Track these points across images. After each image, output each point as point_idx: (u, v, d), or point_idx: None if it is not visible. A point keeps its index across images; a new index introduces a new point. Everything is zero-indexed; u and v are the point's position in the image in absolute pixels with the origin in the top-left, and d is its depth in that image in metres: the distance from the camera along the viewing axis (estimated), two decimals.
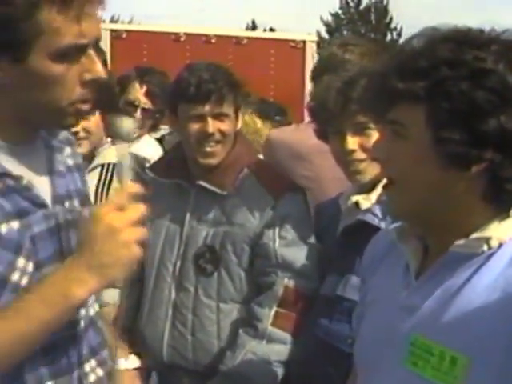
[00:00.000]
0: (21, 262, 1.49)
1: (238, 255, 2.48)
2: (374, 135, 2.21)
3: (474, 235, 1.37)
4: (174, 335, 2.56)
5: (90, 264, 1.44)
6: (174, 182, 2.61)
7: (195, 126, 2.49)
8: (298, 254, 2.46)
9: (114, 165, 2.93)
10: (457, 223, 1.40)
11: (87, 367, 1.67)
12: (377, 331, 1.55)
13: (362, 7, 40.13)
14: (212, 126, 2.47)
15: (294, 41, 10.63)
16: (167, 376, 2.67)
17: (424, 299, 1.42)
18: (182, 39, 10.27)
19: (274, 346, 2.42)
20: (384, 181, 2.03)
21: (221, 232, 2.51)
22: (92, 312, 1.73)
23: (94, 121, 2.95)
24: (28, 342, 1.45)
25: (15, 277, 1.48)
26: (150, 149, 3.65)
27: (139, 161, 3.00)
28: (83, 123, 2.82)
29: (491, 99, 1.28)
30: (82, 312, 1.66)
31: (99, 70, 1.50)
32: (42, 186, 1.58)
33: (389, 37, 40.39)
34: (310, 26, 38.32)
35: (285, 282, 2.44)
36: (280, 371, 2.42)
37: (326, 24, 40.34)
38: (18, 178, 1.50)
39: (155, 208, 2.61)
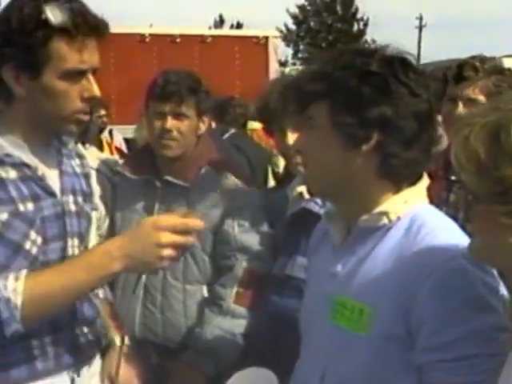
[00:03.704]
0: (32, 234, 1.90)
1: (201, 241, 2.76)
2: None
3: (376, 210, 1.70)
4: (145, 314, 2.86)
5: (125, 251, 1.80)
6: (143, 177, 2.91)
7: (157, 122, 2.80)
8: (253, 239, 2.78)
9: None
10: (360, 198, 1.72)
11: (78, 330, 2.06)
12: (311, 298, 1.89)
13: None
14: (170, 123, 2.78)
15: (256, 37, 10.88)
16: (138, 352, 2.97)
17: (343, 266, 1.75)
18: (148, 40, 10.45)
19: (237, 321, 2.74)
20: None
21: None
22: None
23: None
24: (64, 296, 1.84)
25: (27, 245, 1.89)
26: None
27: (109, 164, 3.13)
28: None
29: (374, 93, 1.63)
30: None
31: (95, 90, 1.94)
32: (53, 180, 2.01)
33: (355, 27, 40.59)
34: (277, 18, 38.48)
35: (243, 265, 2.77)
36: (242, 343, 2.75)
37: (293, 16, 40.43)
38: (34, 169, 1.94)
39: (126, 202, 2.94)
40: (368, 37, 39.41)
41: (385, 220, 1.70)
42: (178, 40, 10.32)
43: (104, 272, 1.82)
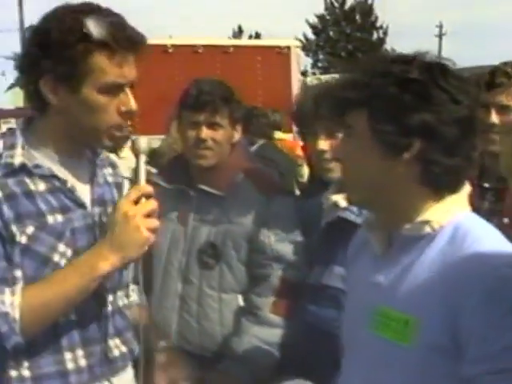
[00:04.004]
0: (61, 246, 1.90)
1: (237, 250, 2.81)
2: None
3: (418, 219, 1.70)
4: (181, 323, 2.87)
5: (112, 244, 1.87)
6: (177, 186, 2.93)
7: (192, 132, 2.83)
8: (288, 248, 2.78)
9: None
10: (401, 206, 1.72)
11: (111, 343, 2.05)
12: (353, 309, 1.88)
13: (346, 7, 40.18)
14: (205, 133, 2.80)
15: (279, 47, 10.89)
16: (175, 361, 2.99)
17: (385, 276, 1.74)
18: (170, 51, 10.49)
19: (273, 330, 2.74)
20: None
21: (221, 230, 2.83)
22: (121, 303, 2.11)
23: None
24: (61, 304, 1.86)
25: (56, 258, 1.89)
26: None
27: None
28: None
29: (414, 100, 1.62)
30: (110, 298, 2.05)
31: (133, 104, 1.94)
32: (83, 192, 2.01)
33: (375, 36, 40.50)
34: (295, 28, 38.48)
35: (279, 274, 2.78)
36: (278, 353, 2.75)
37: (312, 26, 40.42)
38: (64, 181, 1.94)
39: (161, 211, 2.96)
40: (388, 46, 39.38)
41: (428, 229, 1.69)
42: (201, 50, 10.35)
43: (95, 273, 1.86)
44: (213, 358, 2.83)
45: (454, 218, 1.70)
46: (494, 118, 2.87)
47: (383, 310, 1.72)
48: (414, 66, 1.66)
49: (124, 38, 1.88)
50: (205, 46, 10.40)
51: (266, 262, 2.79)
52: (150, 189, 1.93)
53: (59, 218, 1.91)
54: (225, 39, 15.72)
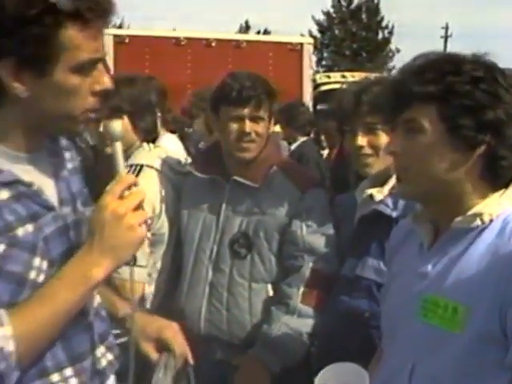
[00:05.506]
0: (36, 261, 1.63)
1: (268, 241, 2.85)
2: (381, 135, 2.61)
3: (470, 212, 1.76)
4: (210, 310, 2.91)
5: (103, 248, 1.62)
6: (211, 177, 2.97)
7: (235, 126, 2.85)
8: (320, 241, 2.82)
9: (142, 166, 3.07)
10: (459, 201, 1.78)
11: (98, 353, 1.83)
12: (399, 296, 1.93)
13: (353, 6, 40.16)
14: (249, 126, 2.84)
15: (291, 43, 10.91)
16: (202, 348, 3.03)
17: (433, 266, 1.81)
18: (183, 43, 10.50)
19: (304, 320, 2.78)
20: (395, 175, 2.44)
21: (254, 220, 2.87)
22: (96, 303, 1.87)
23: (123, 125, 2.99)
24: (56, 324, 1.62)
25: (32, 275, 1.62)
26: (172, 146, 3.92)
27: (170, 164, 3.19)
28: None
29: (487, 97, 1.69)
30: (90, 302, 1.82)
31: (107, 81, 1.67)
32: (49, 190, 1.72)
33: (380, 35, 40.50)
34: (302, 25, 38.42)
35: (310, 265, 2.82)
36: (308, 342, 2.79)
37: (318, 23, 40.39)
38: (29, 185, 1.65)
39: (193, 200, 3.01)
40: (392, 45, 39.43)
41: (478, 221, 1.75)
42: (214, 44, 10.38)
43: (89, 283, 1.63)
44: (241, 345, 2.87)
45: (503, 212, 1.76)
46: None
47: (431, 297, 1.77)
48: (480, 65, 1.73)
49: (96, 5, 1.58)
50: (218, 40, 10.44)
51: (297, 253, 2.83)
52: (133, 178, 1.72)
53: (29, 228, 1.62)
54: (238, 34, 15.69)
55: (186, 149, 4.52)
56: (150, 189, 3.00)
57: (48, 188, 1.72)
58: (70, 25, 1.55)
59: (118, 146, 1.73)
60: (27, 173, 1.67)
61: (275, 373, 2.74)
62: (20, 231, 1.60)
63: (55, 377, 1.69)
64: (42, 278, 1.64)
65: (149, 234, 3.00)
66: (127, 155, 3.13)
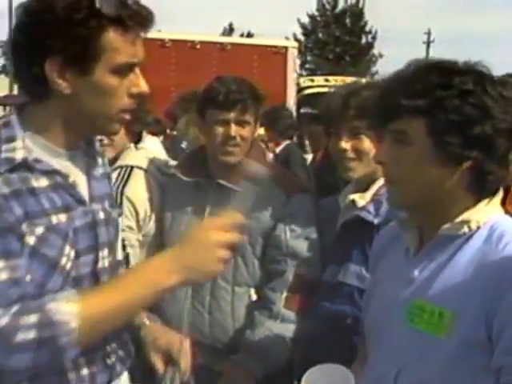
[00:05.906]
0: (67, 248, 1.76)
1: (252, 245, 2.84)
2: (365, 140, 2.60)
3: (458, 219, 1.77)
4: (193, 314, 2.90)
5: (185, 263, 1.74)
6: (196, 180, 2.95)
7: (220, 129, 2.85)
8: (304, 245, 2.82)
9: (132, 167, 3.12)
10: (445, 211, 1.79)
11: (108, 348, 1.93)
12: (385, 301, 1.93)
13: (337, 10, 40.18)
14: (234, 130, 2.84)
15: (276, 47, 10.93)
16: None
17: (420, 272, 1.82)
18: (168, 45, 10.48)
19: (287, 325, 2.78)
20: (379, 181, 2.45)
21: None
22: None
23: None
24: (119, 315, 1.75)
25: (63, 261, 1.75)
26: (154, 145, 3.92)
27: (157, 165, 3.21)
28: None
29: (475, 112, 1.69)
30: None
31: (144, 85, 1.81)
32: (82, 186, 1.87)
33: (363, 40, 40.58)
34: (286, 28, 38.44)
35: (293, 270, 2.81)
36: (290, 347, 2.78)
37: (303, 26, 40.39)
38: (65, 176, 1.80)
39: (177, 202, 3.00)
40: (375, 50, 39.53)
41: (465, 228, 1.76)
42: (198, 46, 10.37)
43: (160, 287, 1.74)
44: (223, 349, 2.87)
45: (489, 220, 1.77)
46: None
47: (418, 303, 1.78)
48: (470, 77, 1.72)
49: (137, 14, 1.75)
50: (202, 42, 10.43)
51: (281, 257, 2.83)
52: (242, 219, 1.82)
53: (62, 217, 1.76)
54: (223, 37, 15.71)
55: (167, 151, 4.54)
56: (142, 190, 3.03)
57: (81, 183, 1.86)
58: (111, 29, 1.71)
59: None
60: (64, 167, 1.81)
61: (258, 378, 2.73)
62: (54, 219, 1.73)
63: (68, 365, 1.78)
64: (69, 265, 1.76)
65: (140, 236, 3.03)
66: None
